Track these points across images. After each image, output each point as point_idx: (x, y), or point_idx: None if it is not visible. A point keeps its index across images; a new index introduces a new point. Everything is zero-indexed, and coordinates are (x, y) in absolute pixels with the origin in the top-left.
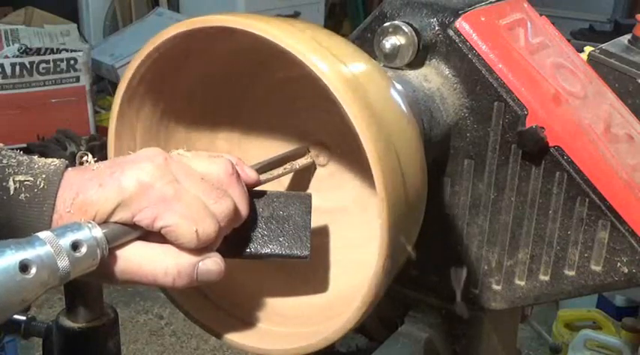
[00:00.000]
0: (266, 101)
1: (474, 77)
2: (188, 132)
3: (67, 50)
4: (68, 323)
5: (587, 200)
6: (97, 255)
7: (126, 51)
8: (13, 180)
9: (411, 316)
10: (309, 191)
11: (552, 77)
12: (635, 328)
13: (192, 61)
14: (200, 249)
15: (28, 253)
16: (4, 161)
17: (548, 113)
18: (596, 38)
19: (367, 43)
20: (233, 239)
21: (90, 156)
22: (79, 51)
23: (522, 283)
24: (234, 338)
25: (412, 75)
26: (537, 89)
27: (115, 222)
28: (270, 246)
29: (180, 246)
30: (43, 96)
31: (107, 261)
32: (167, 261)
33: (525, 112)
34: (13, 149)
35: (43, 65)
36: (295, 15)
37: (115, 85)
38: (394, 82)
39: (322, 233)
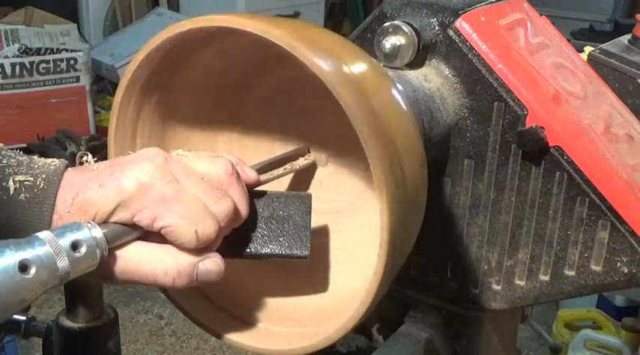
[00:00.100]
0: (266, 101)
1: (474, 77)
2: (188, 132)
3: (67, 50)
4: (68, 323)
5: (587, 200)
6: (96, 255)
7: (126, 51)
8: (13, 180)
9: (411, 316)
10: (309, 191)
11: (552, 77)
12: (635, 328)
13: (192, 61)
14: (200, 249)
15: (27, 253)
16: (4, 161)
17: (548, 113)
18: (596, 38)
19: (367, 43)
20: (233, 239)
21: (90, 156)
22: (79, 51)
23: (522, 283)
24: (235, 338)
25: (412, 75)
26: (537, 89)
27: (115, 222)
28: (270, 246)
29: (180, 246)
30: (43, 96)
31: (107, 261)
32: (167, 261)
33: (525, 112)
34: (13, 149)
35: (43, 65)
36: (295, 15)
37: (115, 85)
38: (394, 82)
39: (322, 233)
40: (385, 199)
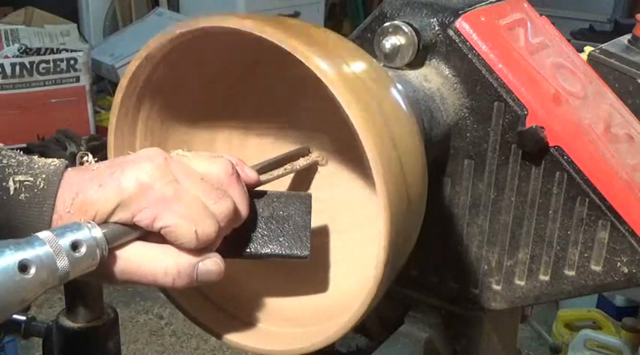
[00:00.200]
0: (266, 101)
1: (474, 77)
2: (188, 132)
3: (67, 50)
4: (68, 323)
5: (587, 200)
6: (96, 255)
7: (126, 51)
8: (13, 180)
9: (411, 316)
10: (309, 191)
11: (552, 77)
12: (635, 328)
13: (191, 62)
14: (200, 249)
15: (27, 253)
16: (4, 161)
17: (548, 113)
18: (596, 38)
19: (367, 43)
20: (233, 239)
21: (90, 156)
22: (79, 51)
23: (522, 283)
24: (234, 338)
25: (412, 75)
26: (537, 89)
27: (115, 223)
28: (270, 246)
29: (180, 247)
30: (43, 96)
31: (107, 261)
32: (167, 261)
33: (525, 112)
34: (13, 149)
35: (43, 65)
36: (295, 15)
37: (115, 85)
38: (394, 82)
39: (322, 233)
40: (385, 199)
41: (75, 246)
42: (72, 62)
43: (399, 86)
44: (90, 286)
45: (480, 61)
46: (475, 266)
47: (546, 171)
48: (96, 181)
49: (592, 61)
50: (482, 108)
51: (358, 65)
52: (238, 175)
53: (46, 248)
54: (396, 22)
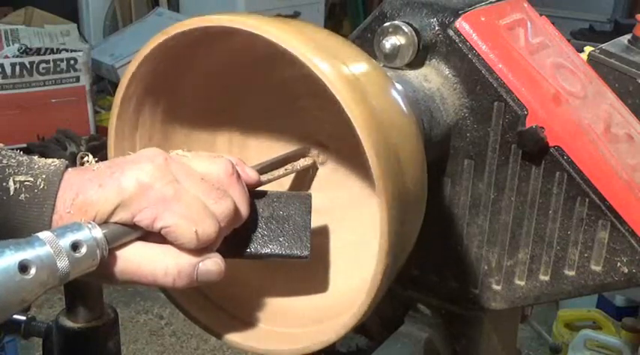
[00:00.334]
0: (266, 101)
1: (474, 77)
2: (188, 132)
3: (67, 50)
4: (68, 323)
5: (587, 200)
6: (96, 256)
7: (126, 51)
8: (13, 181)
9: (411, 316)
10: (309, 191)
11: (552, 77)
12: (635, 328)
13: (191, 61)
14: (200, 249)
15: (27, 253)
16: (4, 161)
17: (548, 113)
18: (596, 38)
19: (367, 43)
20: (233, 239)
21: (91, 156)
22: (79, 51)
23: (522, 283)
24: (235, 338)
25: (412, 75)
26: (537, 89)
27: (115, 223)
28: (270, 246)
29: (180, 247)
30: (43, 96)
31: (107, 261)
32: (167, 262)
33: (525, 112)
34: (13, 149)
35: (43, 65)
36: (295, 15)
37: (115, 85)
38: (394, 82)
39: (322, 233)
40: (385, 199)
41: (75, 246)
42: (72, 62)
43: (399, 86)
44: (90, 286)
45: (480, 61)
46: (475, 266)
47: (546, 171)
48: (96, 181)
49: (592, 61)
50: (482, 108)
51: (358, 65)
52: (238, 175)
53: (46, 248)
54: (396, 22)
